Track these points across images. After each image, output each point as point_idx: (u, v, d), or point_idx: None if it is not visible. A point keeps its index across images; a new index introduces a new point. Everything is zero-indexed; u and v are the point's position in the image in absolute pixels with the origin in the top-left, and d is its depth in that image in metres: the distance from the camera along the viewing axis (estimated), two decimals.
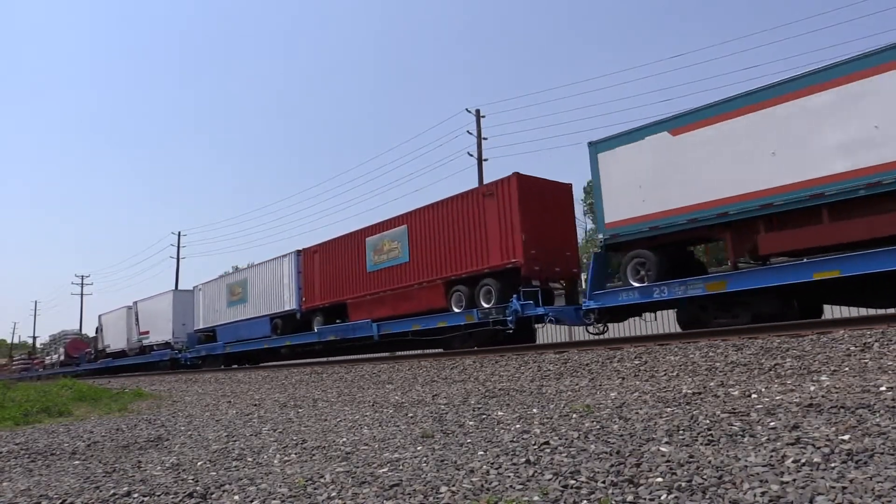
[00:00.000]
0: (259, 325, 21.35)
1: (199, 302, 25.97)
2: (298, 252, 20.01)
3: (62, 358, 45.05)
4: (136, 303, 31.86)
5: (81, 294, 63.90)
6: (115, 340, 34.50)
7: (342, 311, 18.23)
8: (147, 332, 30.39)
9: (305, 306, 19.34)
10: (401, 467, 3.80)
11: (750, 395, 4.88)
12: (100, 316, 37.68)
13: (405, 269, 15.70)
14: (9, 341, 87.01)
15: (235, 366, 23.19)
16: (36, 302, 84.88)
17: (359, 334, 16.68)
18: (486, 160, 28.74)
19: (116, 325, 34.75)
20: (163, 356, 27.72)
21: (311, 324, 19.04)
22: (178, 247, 50.29)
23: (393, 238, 16.30)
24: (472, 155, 29.08)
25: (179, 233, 50.62)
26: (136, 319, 31.59)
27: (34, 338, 77.85)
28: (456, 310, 14.18)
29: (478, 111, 29.43)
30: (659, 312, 12.81)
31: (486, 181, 30.79)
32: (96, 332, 38.31)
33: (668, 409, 4.71)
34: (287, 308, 20.04)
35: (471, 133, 29.44)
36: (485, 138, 29.14)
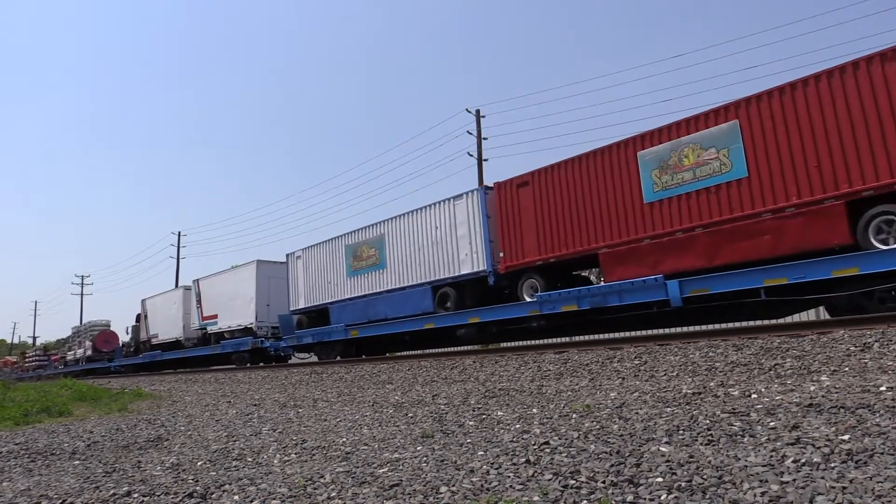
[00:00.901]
0: (412, 299, 15.22)
1: (296, 274, 19.75)
2: (486, 188, 14.28)
3: (89, 353, 39.45)
4: (197, 281, 26.32)
5: (81, 294, 63.95)
6: (166, 328, 29.18)
7: (573, 267, 13.30)
8: (214, 317, 24.59)
9: (506, 265, 13.23)
10: (401, 467, 3.80)
11: (750, 395, 4.88)
12: (144, 301, 32.09)
13: (739, 190, 9.99)
14: (9, 341, 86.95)
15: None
16: (36, 302, 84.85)
17: (638, 298, 10.73)
18: (486, 160, 28.75)
19: (167, 311, 29.24)
20: (239, 346, 21.82)
21: (517, 290, 13.28)
22: (178, 247, 50.31)
23: (711, 140, 10.31)
24: (472, 155, 29.09)
25: (179, 233, 50.61)
26: (199, 301, 25.78)
27: (34, 338, 77.84)
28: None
29: (478, 111, 29.43)
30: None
31: (486, 181, 30.79)
32: (137, 321, 33.17)
33: (668, 409, 4.71)
34: (466, 271, 14.07)
35: (471, 133, 29.45)
36: (485, 138, 29.15)
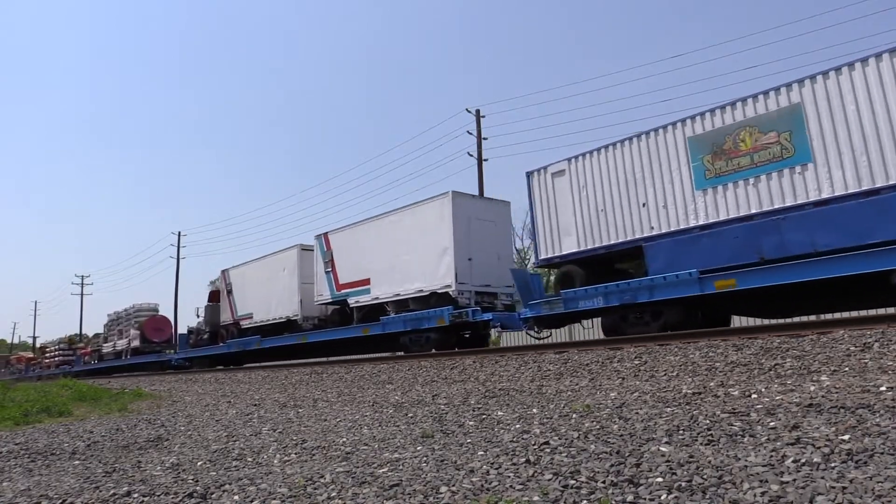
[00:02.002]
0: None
1: (550, 201, 13.24)
2: None
3: (136, 343, 32.23)
4: (324, 236, 18.86)
5: (81, 294, 63.93)
6: (266, 305, 21.53)
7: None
8: (362, 283, 17.20)
9: None
10: (401, 467, 3.80)
11: (750, 395, 4.88)
12: (226, 272, 24.43)
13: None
14: (9, 341, 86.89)
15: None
16: (36, 302, 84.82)
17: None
18: (486, 160, 28.75)
19: (270, 281, 21.38)
20: (423, 321, 14.71)
21: None
22: (178, 247, 50.31)
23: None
24: (472, 155, 29.09)
25: (179, 233, 50.56)
26: (330, 263, 18.42)
27: (34, 338, 77.79)
28: None
29: (478, 111, 29.44)
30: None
31: (486, 181, 30.65)
32: (212, 300, 25.69)
33: (668, 409, 4.71)
34: None
35: (471, 133, 29.46)
36: (485, 138, 29.15)
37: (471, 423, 5.22)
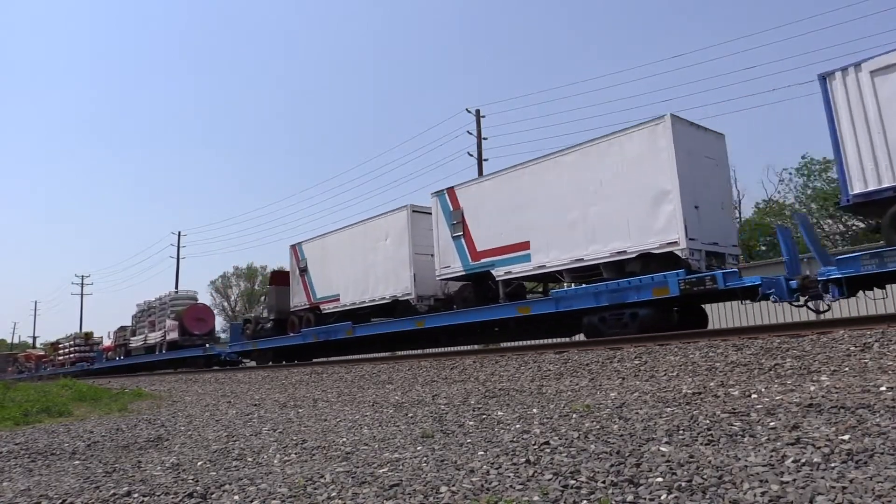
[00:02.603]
0: None
1: (867, 117, 9.53)
2: None
3: (173, 336, 27.96)
4: (450, 191, 14.66)
5: (81, 294, 63.93)
6: (358, 284, 17.18)
7: None
8: (518, 247, 13.16)
9: None
10: (401, 467, 3.80)
11: (750, 395, 4.88)
12: (298, 246, 19.91)
13: None
14: (9, 341, 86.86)
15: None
16: (36, 302, 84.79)
17: None
18: (486, 160, 28.76)
19: (368, 254, 16.93)
20: (627, 294, 10.86)
21: None
22: (178, 247, 50.31)
23: None
24: (472, 155, 29.11)
25: (179, 233, 50.53)
26: (462, 226, 14.20)
27: (34, 338, 77.76)
28: None
29: (478, 111, 29.45)
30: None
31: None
32: (275, 282, 22.02)
33: (668, 409, 4.71)
34: None
35: (471, 133, 29.46)
36: (485, 138, 29.16)
37: (471, 423, 5.22)
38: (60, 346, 44.67)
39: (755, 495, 2.58)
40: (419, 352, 16.88)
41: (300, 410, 7.84)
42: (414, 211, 15.99)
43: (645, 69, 77.07)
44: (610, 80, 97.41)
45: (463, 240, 14.44)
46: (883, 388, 4.47)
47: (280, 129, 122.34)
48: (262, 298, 25.41)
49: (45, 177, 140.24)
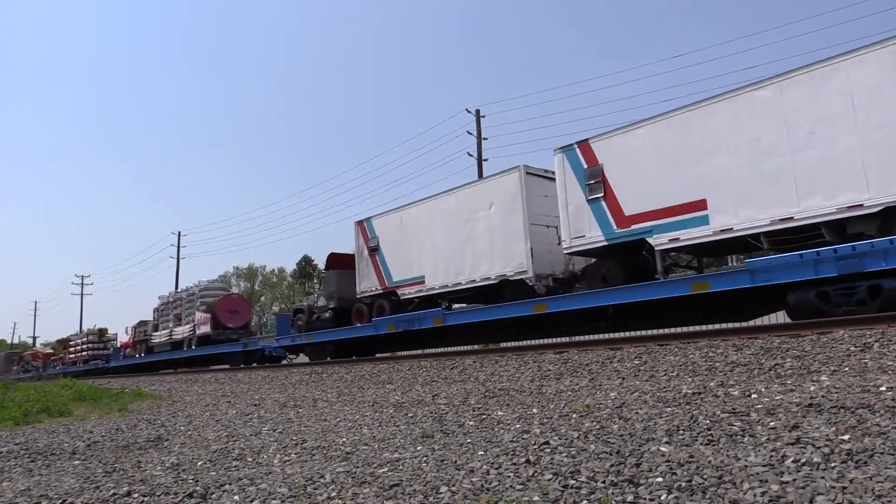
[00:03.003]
0: None
1: None
2: None
3: (204, 330, 24.91)
4: (583, 145, 12.07)
5: (81, 294, 63.94)
6: (455, 263, 14.25)
7: None
8: (693, 207, 10.53)
9: None
10: (401, 467, 3.80)
11: (750, 395, 4.88)
12: (365, 223, 17.07)
13: None
14: (9, 341, 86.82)
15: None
16: (36, 302, 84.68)
17: None
18: (486, 160, 28.76)
19: (464, 227, 14.16)
20: None
21: None
22: (178, 247, 50.33)
23: None
24: (472, 155, 29.11)
25: (179, 233, 50.54)
26: (603, 185, 11.65)
27: (34, 338, 77.72)
28: None
29: (478, 111, 29.45)
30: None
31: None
32: (333, 265, 18.88)
33: (668, 409, 4.71)
34: None
35: (471, 133, 29.47)
36: (485, 138, 29.16)
37: (471, 423, 5.22)
38: (71, 343, 41.51)
39: (755, 495, 2.58)
40: (419, 352, 16.75)
41: (300, 410, 7.84)
42: (529, 173, 13.21)
43: (645, 69, 77.09)
44: (610, 80, 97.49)
45: (603, 202, 11.66)
46: (883, 388, 4.47)
47: (280, 128, 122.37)
48: (316, 286, 21.32)
49: (45, 177, 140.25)
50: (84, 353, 37.74)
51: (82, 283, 64.37)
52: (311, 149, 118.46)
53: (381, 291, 16.30)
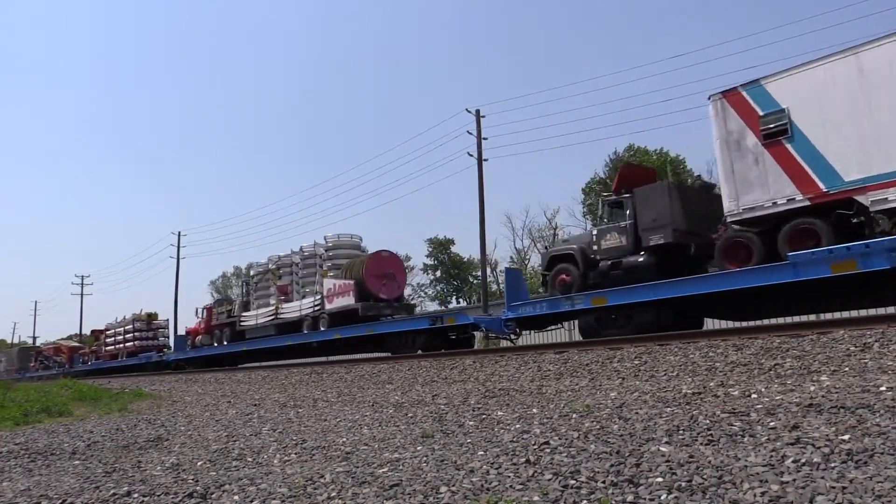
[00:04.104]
0: None
1: None
2: None
3: (342, 303, 17.80)
4: None
5: (81, 294, 63.84)
6: None
7: None
8: None
9: None
10: (401, 467, 3.80)
11: (750, 395, 4.88)
12: (745, 91, 10.39)
13: None
14: (9, 341, 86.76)
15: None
16: (36, 302, 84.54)
17: None
18: (486, 160, 28.74)
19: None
20: None
21: None
22: (178, 247, 50.28)
23: None
24: (472, 155, 29.09)
25: (179, 233, 50.42)
26: None
27: (34, 338, 77.63)
28: None
29: (478, 111, 29.43)
30: None
31: (486, 181, 30.09)
32: (630, 182, 12.37)
33: (668, 409, 4.71)
34: None
35: (471, 133, 29.45)
36: (485, 138, 29.15)
37: (471, 423, 5.22)
38: (109, 332, 34.07)
39: (755, 495, 2.58)
40: (418, 352, 16.72)
41: (300, 410, 7.84)
42: None
43: (645, 69, 77.06)
44: (610, 80, 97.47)
45: None
46: (883, 388, 4.47)
47: (280, 128, 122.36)
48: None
49: (45, 177, 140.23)
50: (130, 344, 30.94)
51: (82, 283, 64.35)
52: (311, 149, 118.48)
53: (808, 202, 9.81)
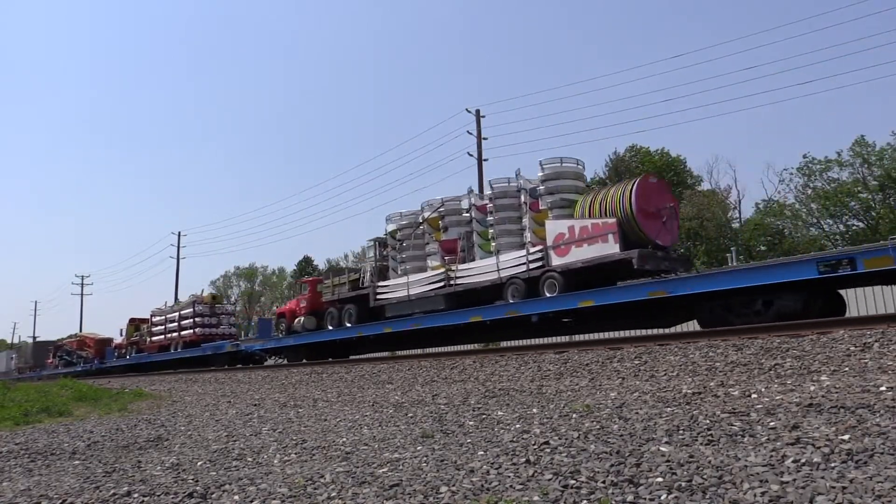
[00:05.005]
0: None
1: None
2: None
3: (609, 250, 11.41)
4: None
5: (81, 294, 63.84)
6: None
7: None
8: None
9: None
10: (401, 467, 3.80)
11: (750, 395, 4.88)
12: None
13: None
14: (9, 341, 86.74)
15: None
16: (36, 302, 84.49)
17: None
18: (486, 160, 28.74)
19: None
20: None
21: None
22: (178, 247, 50.27)
23: None
24: (472, 155, 29.10)
25: (179, 233, 50.39)
26: None
27: (34, 338, 77.56)
28: None
29: (478, 111, 29.44)
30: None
31: (486, 181, 30.16)
32: None
33: (668, 409, 4.71)
34: None
35: (471, 133, 29.46)
36: (485, 138, 29.15)
37: (471, 423, 5.22)
38: (156, 320, 28.80)
39: (755, 495, 2.58)
40: (419, 351, 16.62)
41: (300, 410, 7.84)
42: None
43: (645, 69, 77.05)
44: (610, 80, 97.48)
45: None
46: (883, 388, 4.47)
47: (280, 128, 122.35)
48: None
49: (45, 177, 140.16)
50: (189, 332, 25.77)
51: (82, 283, 64.34)
52: (312, 149, 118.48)
53: None
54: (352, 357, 17.57)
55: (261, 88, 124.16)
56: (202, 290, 29.44)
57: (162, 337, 27.91)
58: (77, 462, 5.37)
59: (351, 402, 8.09)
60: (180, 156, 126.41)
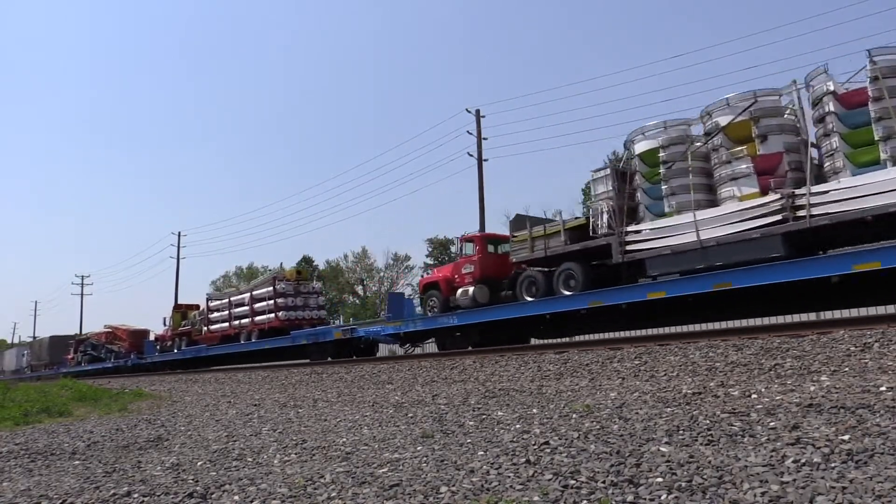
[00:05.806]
0: None
1: None
2: None
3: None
4: None
5: (81, 294, 63.79)
6: None
7: None
8: None
9: None
10: (401, 467, 3.80)
11: (750, 395, 4.88)
12: None
13: None
14: (9, 341, 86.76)
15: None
16: (36, 302, 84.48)
17: None
18: (486, 160, 28.73)
19: None
20: None
21: None
22: (178, 247, 50.24)
23: None
24: (472, 155, 29.08)
25: (179, 233, 50.26)
26: None
27: (34, 338, 77.60)
28: None
29: (478, 111, 29.43)
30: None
31: (486, 181, 29.92)
32: None
33: (668, 409, 4.71)
34: None
35: (471, 133, 29.44)
36: (485, 138, 29.14)
37: (471, 423, 5.22)
38: (218, 305, 23.84)
39: (755, 495, 2.58)
40: (419, 352, 16.68)
41: (300, 410, 7.84)
42: None
43: (645, 69, 77.05)
44: (610, 80, 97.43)
45: None
46: (883, 388, 4.47)
47: (280, 128, 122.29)
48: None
49: (45, 176, 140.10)
50: (268, 317, 20.63)
51: (82, 283, 64.32)
52: (312, 149, 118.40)
53: None
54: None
55: (261, 88, 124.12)
56: (280, 264, 24.26)
57: (226, 325, 22.56)
58: (77, 462, 5.37)
59: (351, 403, 8.09)
60: (180, 156, 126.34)
